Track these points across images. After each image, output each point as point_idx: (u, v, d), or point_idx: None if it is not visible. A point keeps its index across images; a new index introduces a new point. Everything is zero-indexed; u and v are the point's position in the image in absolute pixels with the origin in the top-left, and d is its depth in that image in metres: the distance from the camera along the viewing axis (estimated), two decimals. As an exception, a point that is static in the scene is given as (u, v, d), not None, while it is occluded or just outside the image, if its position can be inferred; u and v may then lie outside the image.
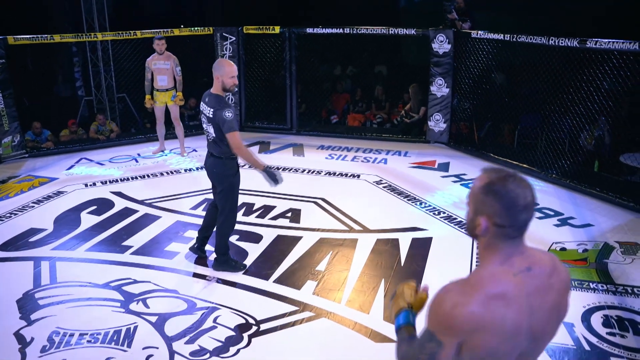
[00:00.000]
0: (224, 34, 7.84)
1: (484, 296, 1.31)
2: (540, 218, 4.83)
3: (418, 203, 5.24)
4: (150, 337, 3.19)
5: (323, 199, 5.32)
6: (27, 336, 3.19)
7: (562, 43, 5.47)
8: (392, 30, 7.26)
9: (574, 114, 5.68)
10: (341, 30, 7.36)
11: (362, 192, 5.62)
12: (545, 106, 6.14)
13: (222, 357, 3.03)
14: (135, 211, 5.08)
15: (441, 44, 6.89)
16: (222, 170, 3.75)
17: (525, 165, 6.10)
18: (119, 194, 5.51)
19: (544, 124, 6.35)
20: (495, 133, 7.17)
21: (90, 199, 5.37)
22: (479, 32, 6.50)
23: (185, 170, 6.34)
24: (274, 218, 4.90)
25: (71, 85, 9.66)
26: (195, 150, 7.05)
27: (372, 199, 5.42)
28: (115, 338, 3.16)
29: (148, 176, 6.15)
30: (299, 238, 4.48)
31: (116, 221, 4.85)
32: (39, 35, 6.80)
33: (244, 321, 3.35)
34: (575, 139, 6.00)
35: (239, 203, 4.01)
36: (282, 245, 4.36)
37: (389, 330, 3.21)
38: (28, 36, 6.73)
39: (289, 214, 4.98)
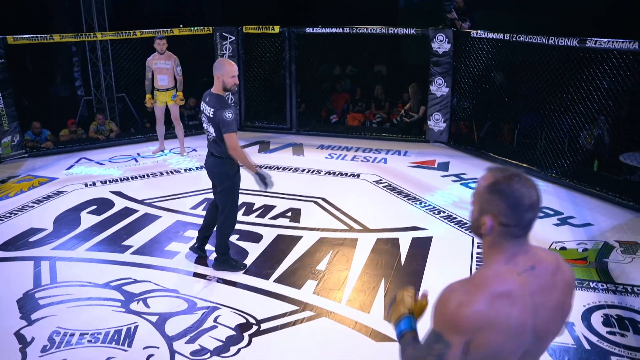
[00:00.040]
0: (223, 33, 7.84)
1: (489, 295, 1.31)
2: (540, 217, 4.77)
3: (418, 202, 5.24)
4: (151, 336, 3.19)
5: (323, 199, 5.32)
6: (27, 336, 3.18)
7: (561, 43, 5.47)
8: (391, 29, 7.25)
9: (573, 114, 5.68)
10: (341, 30, 7.36)
11: (362, 191, 5.62)
12: (545, 106, 6.13)
13: (223, 357, 3.03)
14: (135, 211, 5.08)
15: (441, 44, 6.89)
16: (223, 169, 3.75)
17: (524, 165, 6.10)
18: (119, 194, 5.51)
19: (543, 123, 6.35)
20: (494, 132, 7.17)
21: (90, 199, 5.37)
22: (479, 31, 6.50)
23: (185, 170, 6.34)
24: (274, 218, 4.91)
25: (71, 85, 9.65)
26: (195, 150, 7.05)
27: (372, 198, 5.42)
28: (115, 338, 3.16)
29: (148, 176, 6.15)
30: (299, 238, 4.48)
31: (116, 221, 4.85)
32: (39, 35, 6.79)
33: (244, 321, 3.35)
34: (575, 139, 6.00)
35: (239, 203, 4.01)
36: (282, 245, 4.36)
37: (390, 329, 3.20)
38: (27, 36, 6.72)
39: (289, 214, 4.98)
